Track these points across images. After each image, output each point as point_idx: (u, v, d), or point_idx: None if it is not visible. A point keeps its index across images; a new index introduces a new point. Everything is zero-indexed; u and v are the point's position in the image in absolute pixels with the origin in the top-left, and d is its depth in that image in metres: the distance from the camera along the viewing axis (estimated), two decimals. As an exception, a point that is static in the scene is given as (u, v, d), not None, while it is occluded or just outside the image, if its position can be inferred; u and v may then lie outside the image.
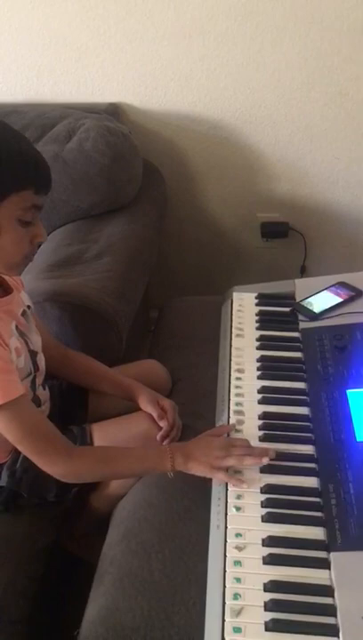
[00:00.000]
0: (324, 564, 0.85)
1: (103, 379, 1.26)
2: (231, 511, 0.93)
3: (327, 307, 1.31)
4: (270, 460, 0.99)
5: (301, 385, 1.16)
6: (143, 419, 1.18)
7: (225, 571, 0.86)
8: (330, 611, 0.80)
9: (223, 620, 0.80)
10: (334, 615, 0.79)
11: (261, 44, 1.72)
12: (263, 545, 0.88)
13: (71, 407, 1.27)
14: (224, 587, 0.84)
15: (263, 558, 0.86)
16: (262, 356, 1.23)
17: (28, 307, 1.16)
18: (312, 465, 1.00)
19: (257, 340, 1.27)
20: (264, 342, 1.26)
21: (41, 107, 1.80)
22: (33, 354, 1.12)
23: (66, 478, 1.04)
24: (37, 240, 1.02)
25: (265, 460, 0.99)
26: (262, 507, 0.93)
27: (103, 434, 1.17)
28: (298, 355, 1.23)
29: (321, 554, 0.87)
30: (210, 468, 0.99)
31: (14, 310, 1.10)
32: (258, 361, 1.22)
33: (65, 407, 1.26)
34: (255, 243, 2.06)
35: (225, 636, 0.79)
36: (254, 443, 1.04)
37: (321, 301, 1.33)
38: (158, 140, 1.90)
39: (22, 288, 1.17)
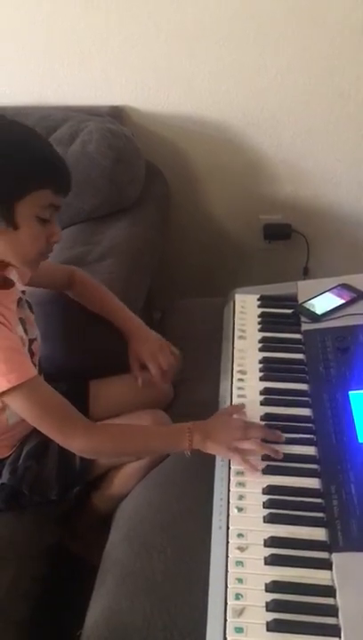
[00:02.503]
0: (326, 565, 0.85)
1: (103, 308, 1.31)
2: (233, 512, 0.93)
3: (330, 308, 1.31)
4: (281, 442, 1.02)
5: (303, 386, 1.16)
6: (145, 418, 1.19)
7: (227, 571, 0.86)
8: (332, 611, 0.80)
9: (225, 621, 0.80)
10: (336, 616, 0.79)
11: (263, 46, 1.73)
12: (265, 545, 0.88)
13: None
14: (226, 587, 0.84)
15: (265, 559, 0.86)
16: (265, 358, 1.23)
17: (23, 292, 1.17)
18: (314, 466, 1.00)
19: (259, 341, 1.28)
20: (266, 344, 1.27)
21: (44, 109, 1.81)
22: (30, 341, 1.14)
23: (86, 453, 1.08)
24: (53, 239, 1.04)
25: (280, 455, 1.00)
26: (263, 507, 0.93)
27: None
28: (300, 356, 1.23)
29: (323, 554, 0.87)
30: (226, 449, 1.00)
31: (16, 301, 1.12)
32: (260, 362, 1.22)
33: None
34: (258, 244, 2.06)
35: (227, 636, 0.79)
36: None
37: (323, 303, 1.33)
38: (161, 143, 1.90)
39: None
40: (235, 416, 1.09)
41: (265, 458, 1.01)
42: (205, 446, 1.02)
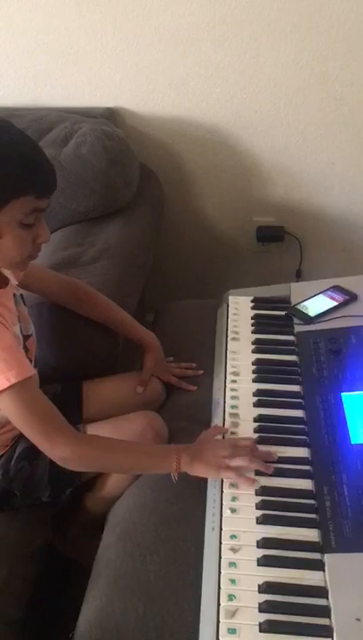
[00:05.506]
0: (318, 566, 0.86)
1: (115, 322, 1.34)
2: (226, 513, 0.93)
3: (322, 310, 1.32)
4: (272, 462, 1.00)
5: (296, 388, 1.16)
6: (138, 420, 1.19)
7: (220, 572, 0.86)
8: (324, 612, 0.80)
9: (218, 622, 0.80)
10: (329, 616, 0.80)
11: (257, 49, 1.73)
12: (258, 547, 0.88)
13: (65, 411, 1.27)
14: (219, 588, 0.84)
15: (258, 560, 0.87)
16: (258, 359, 1.23)
17: (17, 285, 1.17)
18: (307, 467, 1.00)
19: (253, 343, 1.28)
20: (260, 345, 1.27)
21: (38, 111, 1.80)
22: (25, 337, 1.13)
23: (69, 463, 1.03)
24: (40, 240, 1.02)
25: (271, 469, 0.98)
26: (256, 509, 0.94)
27: (97, 434, 1.17)
28: (293, 358, 1.23)
29: (315, 555, 0.87)
30: (217, 469, 0.98)
31: (12, 299, 1.11)
32: (253, 364, 1.22)
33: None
34: (251, 246, 2.06)
35: (220, 637, 0.79)
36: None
37: (316, 305, 1.33)
38: (155, 145, 1.91)
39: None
40: (219, 437, 1.07)
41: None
42: (193, 468, 1.00)
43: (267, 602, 0.82)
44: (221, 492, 0.97)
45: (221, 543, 0.89)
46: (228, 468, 0.98)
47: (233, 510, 0.94)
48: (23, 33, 1.78)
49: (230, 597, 0.83)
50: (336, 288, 1.37)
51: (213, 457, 1.00)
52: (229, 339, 1.30)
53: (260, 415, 1.10)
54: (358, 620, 0.78)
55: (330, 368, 1.17)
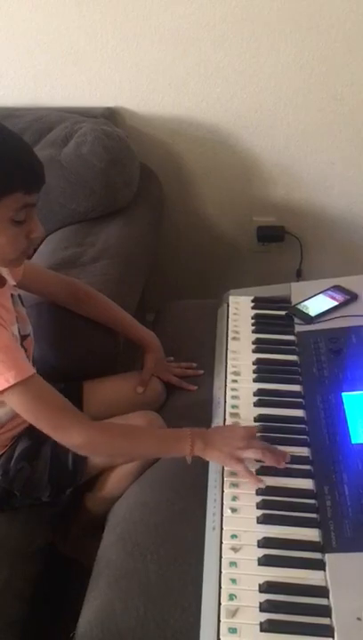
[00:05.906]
0: (319, 566, 0.86)
1: (114, 322, 1.34)
2: (227, 513, 0.93)
3: (323, 310, 1.32)
4: (286, 463, 1.00)
5: (296, 387, 1.16)
6: (138, 420, 1.19)
7: (221, 572, 0.86)
8: (325, 612, 0.80)
9: (219, 621, 0.80)
10: (329, 616, 0.80)
11: (257, 49, 1.73)
12: (259, 546, 0.88)
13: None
14: (220, 587, 0.84)
15: (259, 559, 0.87)
16: (258, 359, 1.23)
17: (15, 286, 1.17)
18: (307, 467, 1.00)
19: (253, 342, 1.28)
20: (260, 345, 1.27)
21: (38, 111, 1.80)
22: (22, 337, 1.13)
23: (83, 450, 1.05)
24: (33, 236, 1.02)
25: (283, 465, 0.99)
26: (257, 508, 0.94)
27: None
28: (294, 357, 1.23)
29: (316, 555, 0.87)
30: (229, 458, 0.99)
31: (9, 299, 1.11)
32: (254, 364, 1.22)
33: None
34: (251, 246, 2.06)
35: (221, 636, 0.79)
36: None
37: (317, 305, 1.33)
38: (155, 144, 1.90)
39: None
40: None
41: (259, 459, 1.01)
42: (206, 454, 1.01)
43: (268, 601, 0.82)
44: (222, 491, 0.97)
45: (221, 543, 0.89)
46: (238, 461, 0.98)
47: (234, 510, 0.94)
48: (23, 33, 1.78)
49: (231, 597, 0.83)
50: (337, 288, 1.37)
51: (226, 445, 1.00)
52: (229, 338, 1.30)
53: (260, 415, 1.10)
54: (358, 619, 0.78)
55: (331, 368, 1.17)
